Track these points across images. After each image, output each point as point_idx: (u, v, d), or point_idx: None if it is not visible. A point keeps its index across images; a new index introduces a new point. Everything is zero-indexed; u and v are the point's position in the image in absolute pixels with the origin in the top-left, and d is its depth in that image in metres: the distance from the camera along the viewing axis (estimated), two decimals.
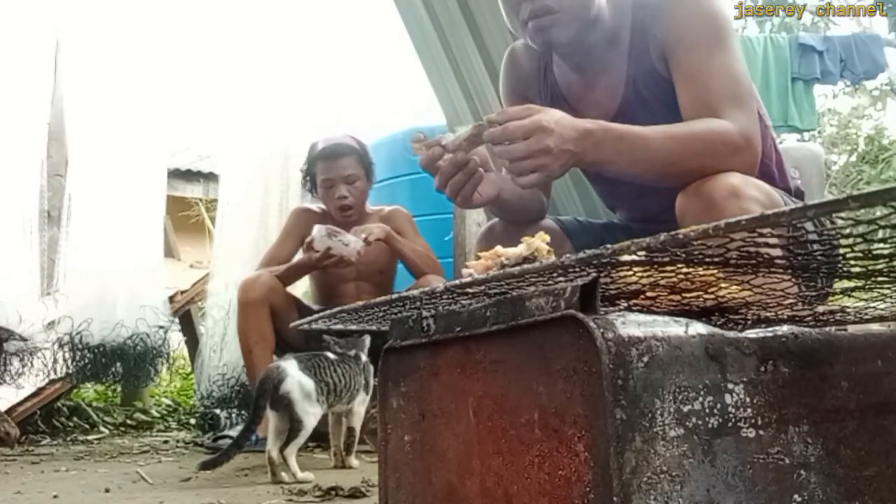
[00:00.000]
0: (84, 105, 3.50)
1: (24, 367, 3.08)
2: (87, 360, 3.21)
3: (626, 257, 0.70)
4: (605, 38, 1.53)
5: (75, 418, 3.47)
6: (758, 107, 1.54)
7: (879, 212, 0.60)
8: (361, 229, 2.71)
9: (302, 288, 3.35)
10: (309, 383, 1.94)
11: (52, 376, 3.20)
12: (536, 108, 1.29)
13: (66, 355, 3.19)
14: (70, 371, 3.20)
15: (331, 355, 2.06)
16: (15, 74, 3.38)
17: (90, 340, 3.20)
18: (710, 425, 0.68)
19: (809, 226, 0.78)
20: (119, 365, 3.28)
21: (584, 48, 1.54)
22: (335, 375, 2.01)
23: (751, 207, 1.24)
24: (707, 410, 0.69)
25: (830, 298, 1.01)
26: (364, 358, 2.15)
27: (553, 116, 1.28)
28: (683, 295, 0.91)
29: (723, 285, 0.85)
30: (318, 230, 2.62)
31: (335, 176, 2.87)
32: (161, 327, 3.35)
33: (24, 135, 3.39)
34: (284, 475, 1.90)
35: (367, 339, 2.20)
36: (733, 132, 1.34)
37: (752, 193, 1.27)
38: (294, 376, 1.92)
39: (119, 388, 3.92)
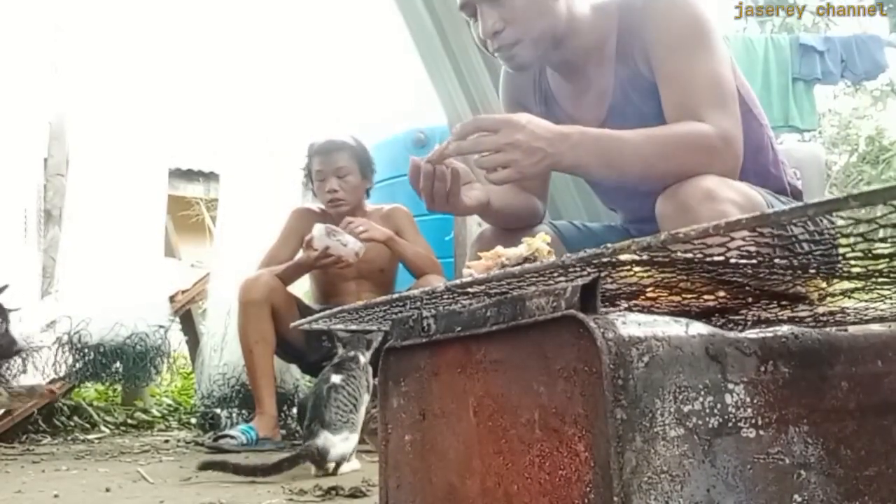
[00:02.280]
0: (85, 104, 3.50)
1: (25, 365, 3.08)
2: (86, 360, 3.20)
3: (626, 257, 0.70)
4: (588, 44, 1.54)
5: (76, 418, 3.47)
6: (752, 106, 1.55)
7: (880, 211, 0.60)
8: (359, 222, 2.71)
9: (303, 288, 3.35)
10: (346, 432, 2.02)
11: (53, 375, 3.19)
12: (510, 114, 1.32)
13: (66, 355, 3.19)
14: (70, 371, 3.19)
15: (335, 379, 2.05)
16: (15, 73, 3.38)
17: (90, 340, 3.19)
18: (710, 425, 0.69)
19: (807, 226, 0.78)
20: (119, 364, 3.27)
21: (564, 57, 1.55)
22: (350, 398, 2.05)
23: (726, 209, 1.25)
24: (707, 410, 0.69)
25: (830, 299, 1.01)
26: (363, 359, 2.15)
27: (525, 116, 1.30)
28: (684, 296, 0.91)
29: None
30: (317, 229, 2.63)
31: (326, 169, 2.89)
32: (161, 327, 3.34)
33: (24, 134, 3.39)
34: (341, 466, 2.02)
35: (376, 339, 2.21)
36: (711, 134, 1.35)
37: (727, 195, 1.28)
38: (336, 441, 1.99)
39: (119, 388, 3.92)
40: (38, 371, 3.13)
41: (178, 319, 3.72)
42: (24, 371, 3.09)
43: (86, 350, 3.18)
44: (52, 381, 3.20)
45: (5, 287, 2.60)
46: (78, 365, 3.18)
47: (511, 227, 1.65)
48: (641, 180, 1.38)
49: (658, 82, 1.46)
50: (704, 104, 1.38)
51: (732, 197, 1.29)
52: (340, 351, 2.17)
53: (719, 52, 1.45)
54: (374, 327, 1.23)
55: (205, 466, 1.96)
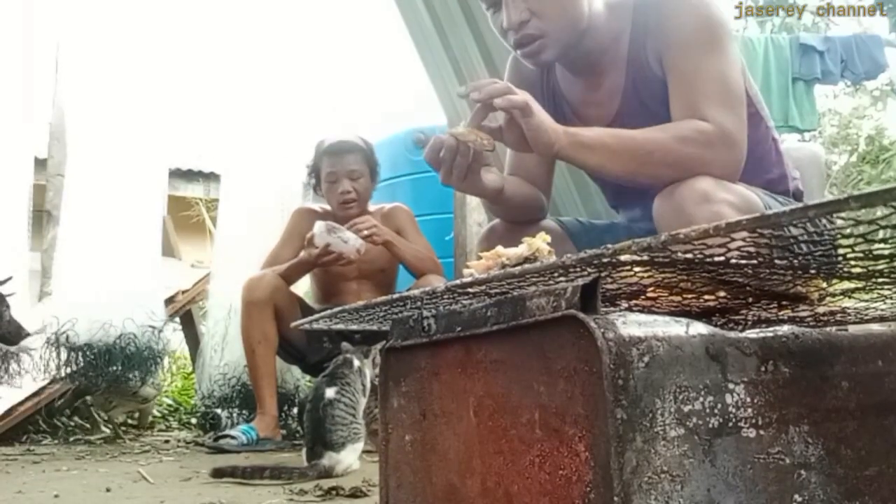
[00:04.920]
0: (85, 104, 3.49)
1: (20, 367, 3.05)
2: (77, 361, 3.15)
3: (626, 257, 0.70)
4: (603, 42, 1.54)
5: (76, 418, 3.46)
6: (760, 108, 1.55)
7: (880, 212, 0.60)
8: (362, 220, 2.71)
9: (304, 288, 3.35)
10: (349, 445, 2.01)
11: (54, 375, 3.17)
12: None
13: (61, 355, 3.14)
14: (65, 372, 3.15)
15: (330, 394, 2.04)
16: (15, 74, 3.37)
17: (77, 340, 3.14)
18: (710, 425, 0.69)
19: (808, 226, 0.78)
20: (113, 366, 3.22)
21: (580, 55, 1.55)
22: (348, 408, 2.04)
23: (722, 210, 1.25)
24: (708, 410, 0.69)
25: (831, 299, 1.01)
26: (357, 362, 2.15)
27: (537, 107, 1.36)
28: (684, 296, 0.91)
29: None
30: (318, 226, 2.63)
31: (339, 170, 2.88)
32: (153, 328, 3.28)
33: (19, 134, 3.37)
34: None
35: (374, 349, 2.21)
36: (710, 132, 1.35)
37: (723, 197, 1.28)
38: (341, 458, 1.99)
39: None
40: (39, 370, 3.11)
41: (178, 319, 3.70)
42: (21, 372, 3.06)
43: (74, 351, 3.13)
44: (53, 381, 3.18)
45: (8, 279, 2.59)
46: (70, 365, 3.13)
47: (518, 219, 1.65)
48: (640, 168, 1.38)
49: (668, 81, 1.46)
50: (709, 103, 1.38)
51: (728, 198, 1.29)
52: (339, 352, 2.18)
53: (730, 54, 1.45)
54: (375, 327, 1.23)
55: (217, 473, 1.93)
